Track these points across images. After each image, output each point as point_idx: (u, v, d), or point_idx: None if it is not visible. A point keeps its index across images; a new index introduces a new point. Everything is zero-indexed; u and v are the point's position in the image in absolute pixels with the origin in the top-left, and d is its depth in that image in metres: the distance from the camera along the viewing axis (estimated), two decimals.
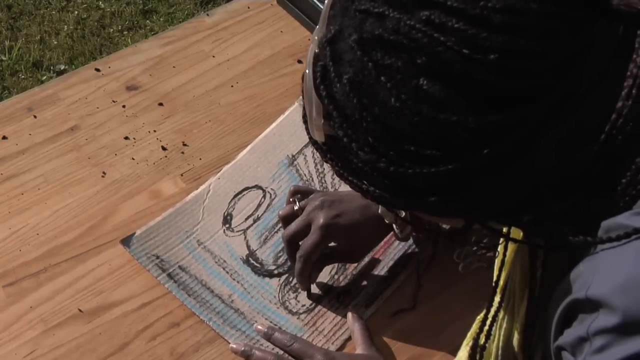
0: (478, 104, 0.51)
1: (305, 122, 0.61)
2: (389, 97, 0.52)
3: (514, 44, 0.50)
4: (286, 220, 0.93)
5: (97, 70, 1.18)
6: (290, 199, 0.94)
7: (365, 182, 0.58)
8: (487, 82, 0.50)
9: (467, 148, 0.52)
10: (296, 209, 0.92)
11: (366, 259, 0.96)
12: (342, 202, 0.90)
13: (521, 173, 0.54)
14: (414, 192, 0.56)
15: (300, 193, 0.94)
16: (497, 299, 0.72)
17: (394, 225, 0.90)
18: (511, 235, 0.66)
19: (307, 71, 0.58)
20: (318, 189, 1.03)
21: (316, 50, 0.57)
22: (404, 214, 0.85)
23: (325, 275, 0.95)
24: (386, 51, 0.52)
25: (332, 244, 0.92)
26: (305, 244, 0.89)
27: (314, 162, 1.06)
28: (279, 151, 1.07)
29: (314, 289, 0.94)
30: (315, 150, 0.64)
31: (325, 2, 0.57)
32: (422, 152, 0.53)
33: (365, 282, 0.94)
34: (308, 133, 0.61)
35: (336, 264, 0.96)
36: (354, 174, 0.59)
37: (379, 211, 0.88)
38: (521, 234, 0.65)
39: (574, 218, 0.57)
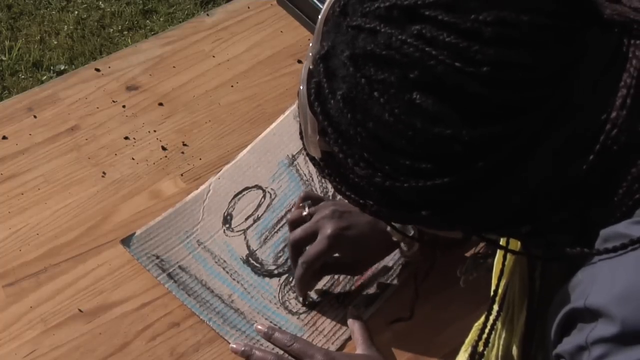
0: (472, 117, 0.51)
1: (302, 138, 0.62)
2: (382, 112, 0.52)
3: (506, 56, 0.50)
4: (294, 224, 0.92)
5: (97, 70, 1.18)
6: (300, 204, 0.94)
7: (362, 196, 0.58)
8: (480, 94, 0.50)
9: (461, 161, 0.52)
10: (305, 215, 0.91)
11: None
12: (353, 214, 0.89)
13: (516, 185, 0.54)
14: (411, 206, 0.56)
15: (311, 199, 0.94)
16: (495, 307, 0.72)
17: (402, 244, 0.90)
18: (510, 246, 0.66)
19: (301, 88, 0.58)
20: (317, 189, 1.03)
21: (310, 67, 0.57)
22: (412, 232, 0.84)
23: (326, 275, 0.95)
24: (379, 66, 0.52)
25: (336, 254, 0.91)
26: (310, 251, 0.88)
27: None
28: (279, 151, 1.07)
29: (312, 295, 0.93)
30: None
31: (319, 18, 0.58)
32: (417, 165, 0.53)
33: (365, 282, 0.94)
34: (305, 149, 0.61)
35: None
36: (351, 189, 0.59)
37: (388, 229, 0.88)
38: (519, 244, 0.65)
39: (572, 228, 0.57)
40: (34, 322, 0.90)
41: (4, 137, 1.09)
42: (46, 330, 0.89)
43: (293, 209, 0.95)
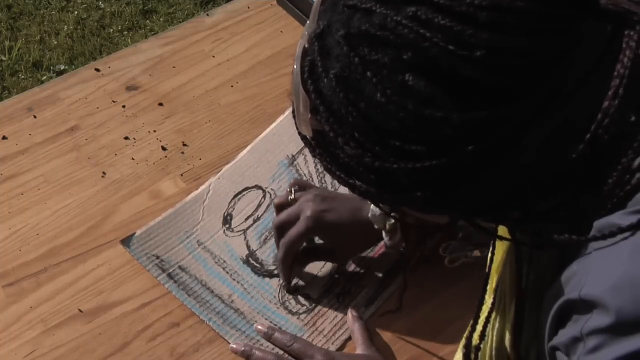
0: (463, 100, 0.51)
1: (294, 116, 0.62)
2: (374, 92, 0.52)
3: (499, 41, 0.50)
4: (279, 208, 0.94)
5: (97, 70, 1.18)
6: (288, 189, 0.95)
7: (352, 176, 0.58)
8: (472, 78, 0.50)
9: (451, 144, 0.52)
10: (290, 199, 0.93)
11: (370, 253, 0.96)
12: (335, 200, 0.91)
13: (506, 170, 0.54)
14: (399, 188, 0.56)
15: (299, 185, 0.96)
16: (490, 299, 0.72)
17: (383, 233, 0.90)
18: (499, 234, 0.66)
19: (295, 66, 0.58)
20: None
21: (305, 45, 0.57)
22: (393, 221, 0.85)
23: (326, 275, 0.95)
24: (373, 47, 0.52)
25: (318, 240, 0.93)
26: (290, 232, 0.90)
27: (314, 162, 1.06)
28: (279, 151, 1.07)
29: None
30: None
31: None
32: (407, 147, 0.53)
33: (365, 282, 0.94)
34: (297, 128, 0.62)
35: (336, 264, 0.96)
36: (341, 168, 0.59)
37: (369, 215, 0.88)
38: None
39: (562, 217, 0.57)
40: (34, 322, 0.90)
41: (4, 137, 1.09)
42: (46, 330, 0.89)
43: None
